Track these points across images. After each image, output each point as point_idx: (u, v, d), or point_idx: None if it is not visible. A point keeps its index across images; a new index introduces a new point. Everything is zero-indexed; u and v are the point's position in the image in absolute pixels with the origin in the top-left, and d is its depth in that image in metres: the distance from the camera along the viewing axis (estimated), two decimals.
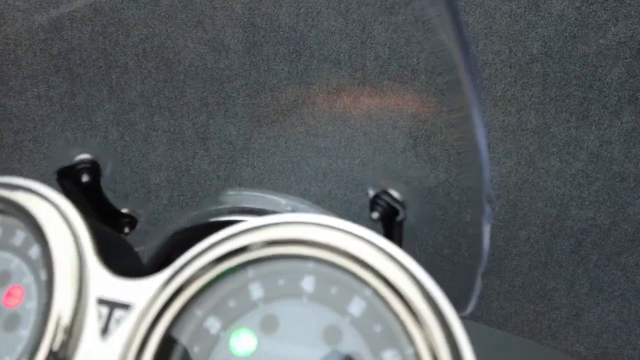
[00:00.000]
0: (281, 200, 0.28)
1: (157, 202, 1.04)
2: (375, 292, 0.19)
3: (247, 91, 1.01)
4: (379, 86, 1.06)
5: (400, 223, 0.24)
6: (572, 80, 0.98)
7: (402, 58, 1.06)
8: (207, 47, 1.00)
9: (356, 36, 1.05)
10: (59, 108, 1.08)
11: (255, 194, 0.30)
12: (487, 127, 1.12)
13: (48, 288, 0.21)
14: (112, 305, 0.21)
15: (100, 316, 0.21)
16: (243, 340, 0.20)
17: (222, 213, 0.29)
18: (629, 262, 0.98)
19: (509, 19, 1.06)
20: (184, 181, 1.05)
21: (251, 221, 0.21)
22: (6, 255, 0.24)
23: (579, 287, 1.00)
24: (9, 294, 0.23)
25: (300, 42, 1.03)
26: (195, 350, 0.20)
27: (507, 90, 1.06)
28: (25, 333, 0.22)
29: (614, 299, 0.99)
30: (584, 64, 0.96)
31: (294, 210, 0.28)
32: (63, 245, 0.22)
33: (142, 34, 0.99)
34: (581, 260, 1.00)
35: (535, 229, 1.02)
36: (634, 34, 0.97)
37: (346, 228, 0.20)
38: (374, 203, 0.24)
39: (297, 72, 1.02)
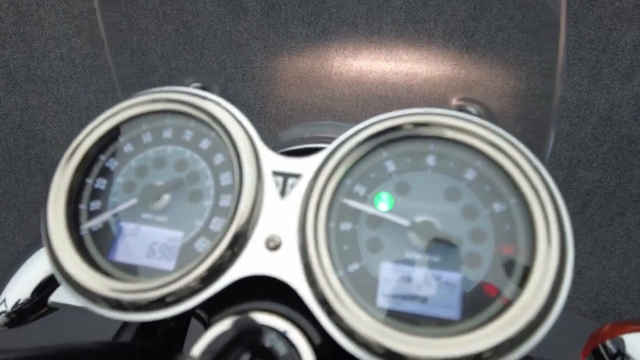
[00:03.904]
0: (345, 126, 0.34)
1: None
2: (485, 163, 0.26)
3: (264, 54, 1.02)
4: (394, 50, 1.07)
5: None
6: (585, 44, 0.99)
7: (418, 22, 1.06)
8: (226, 10, 1.01)
9: None
10: (82, 70, 1.10)
11: (323, 122, 0.36)
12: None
13: (237, 165, 0.28)
14: (285, 175, 0.28)
15: (277, 184, 0.28)
16: (384, 200, 0.27)
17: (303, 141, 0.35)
18: (632, 221, 1.02)
19: None
20: None
21: (389, 113, 0.28)
22: (179, 149, 0.30)
23: (582, 246, 1.05)
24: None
25: (319, 5, 1.03)
26: (350, 206, 0.27)
27: (519, 55, 1.07)
28: (208, 203, 0.28)
29: (615, 257, 1.04)
30: (598, 27, 0.97)
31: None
32: (240, 136, 0.28)
33: None
34: (586, 221, 1.04)
35: None
36: None
37: (460, 116, 0.27)
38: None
39: (315, 35, 1.03)
